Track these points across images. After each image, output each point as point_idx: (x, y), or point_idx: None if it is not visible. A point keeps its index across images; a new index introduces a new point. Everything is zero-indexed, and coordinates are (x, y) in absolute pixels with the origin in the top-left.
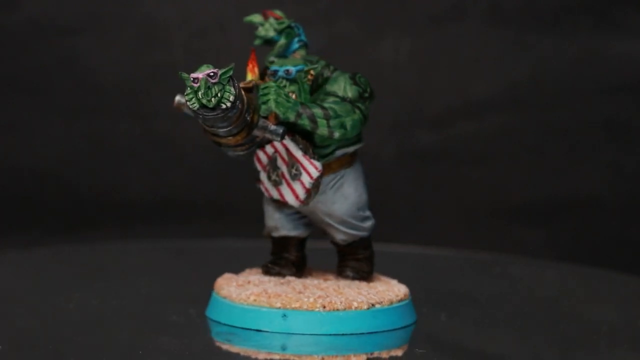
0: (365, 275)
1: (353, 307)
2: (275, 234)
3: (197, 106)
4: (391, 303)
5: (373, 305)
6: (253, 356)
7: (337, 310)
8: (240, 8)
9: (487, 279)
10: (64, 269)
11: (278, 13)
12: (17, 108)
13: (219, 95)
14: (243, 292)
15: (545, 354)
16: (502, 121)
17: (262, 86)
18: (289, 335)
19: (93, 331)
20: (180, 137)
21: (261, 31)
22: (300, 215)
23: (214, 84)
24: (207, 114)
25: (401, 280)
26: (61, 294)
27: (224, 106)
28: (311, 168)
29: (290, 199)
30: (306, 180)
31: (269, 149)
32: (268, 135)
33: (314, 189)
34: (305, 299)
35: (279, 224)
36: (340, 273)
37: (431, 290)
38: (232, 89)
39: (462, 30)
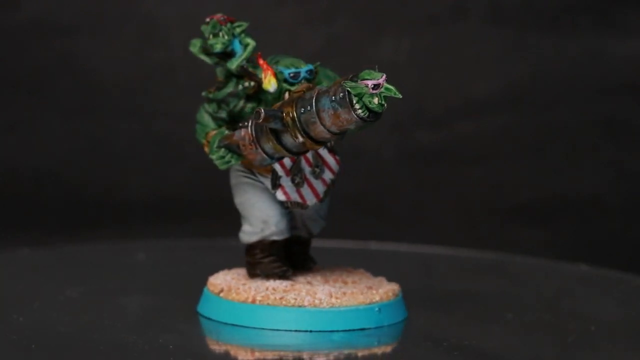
0: (314, 263)
1: (399, 293)
2: (281, 237)
3: (367, 114)
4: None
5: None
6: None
7: (398, 296)
8: (241, 8)
9: (487, 278)
10: (64, 269)
11: (222, 16)
12: (17, 108)
13: (385, 99)
14: (315, 296)
15: (545, 353)
16: (502, 121)
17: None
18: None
19: (93, 331)
20: (180, 137)
21: (224, 37)
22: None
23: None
24: (370, 119)
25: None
26: (61, 294)
27: (383, 110)
28: (333, 163)
29: (310, 198)
30: (328, 176)
31: None
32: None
33: (332, 185)
34: (375, 291)
35: (284, 227)
36: (304, 266)
37: (431, 289)
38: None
39: (462, 30)
